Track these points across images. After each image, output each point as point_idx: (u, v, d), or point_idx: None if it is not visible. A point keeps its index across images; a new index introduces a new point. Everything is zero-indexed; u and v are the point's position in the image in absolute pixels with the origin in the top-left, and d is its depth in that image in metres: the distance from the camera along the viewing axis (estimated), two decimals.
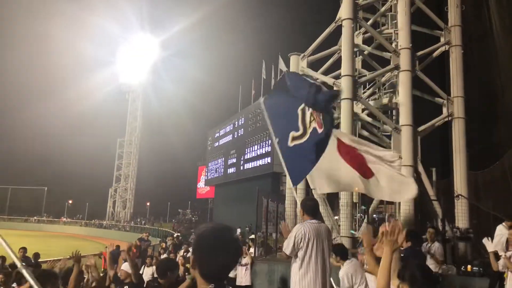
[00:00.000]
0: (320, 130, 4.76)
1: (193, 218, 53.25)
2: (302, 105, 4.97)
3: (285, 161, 5.06)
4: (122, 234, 43.90)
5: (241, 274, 10.20)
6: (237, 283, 10.18)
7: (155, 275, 7.67)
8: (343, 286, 5.42)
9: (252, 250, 11.52)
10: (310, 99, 4.80)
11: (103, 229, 52.26)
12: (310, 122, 4.84)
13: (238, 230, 26.13)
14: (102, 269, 14.33)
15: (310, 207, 4.63)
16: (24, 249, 10.70)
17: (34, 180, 73.03)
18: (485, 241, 5.41)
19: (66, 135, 78.86)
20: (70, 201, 72.77)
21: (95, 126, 74.85)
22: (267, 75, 32.36)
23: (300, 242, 4.40)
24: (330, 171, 5.80)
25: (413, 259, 3.33)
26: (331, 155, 5.58)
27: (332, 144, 5.28)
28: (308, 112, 4.90)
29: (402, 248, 4.47)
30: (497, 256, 6.04)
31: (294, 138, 4.93)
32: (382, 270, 2.50)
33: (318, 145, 4.77)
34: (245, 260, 10.29)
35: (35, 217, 64.27)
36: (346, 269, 5.53)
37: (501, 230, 7.58)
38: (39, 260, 11.01)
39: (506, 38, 12.24)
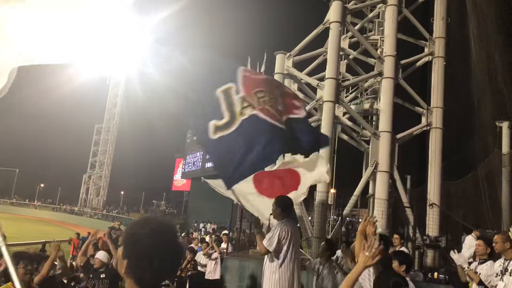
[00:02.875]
0: (269, 118, 3.75)
1: (167, 210, 52.85)
2: (226, 85, 3.87)
3: (212, 159, 4.24)
4: (93, 221, 43.27)
5: (210, 268, 10.21)
6: (206, 277, 10.19)
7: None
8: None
9: (224, 245, 11.52)
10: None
11: (75, 215, 51.39)
12: (243, 108, 3.80)
13: (209, 225, 26.11)
14: (71, 256, 14.12)
15: (289, 206, 4.73)
16: None
17: (5, 161, 71.32)
18: (452, 254, 5.48)
19: (42, 117, 77.18)
20: (42, 185, 71.36)
21: (73, 110, 73.52)
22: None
23: (283, 239, 4.47)
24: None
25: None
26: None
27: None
28: (237, 96, 3.83)
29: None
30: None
31: (217, 128, 3.80)
32: (347, 281, 2.44)
33: (270, 137, 3.80)
34: (215, 254, 10.31)
35: (4, 199, 62.75)
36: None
37: (470, 241, 7.77)
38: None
39: (481, 53, 12.53)
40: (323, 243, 6.41)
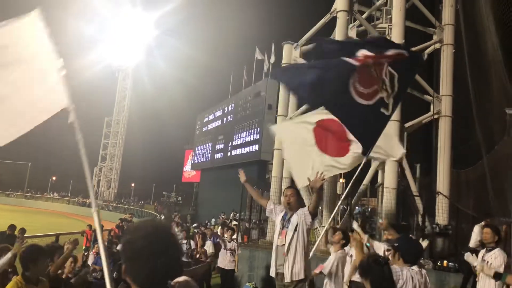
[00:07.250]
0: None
1: (178, 201, 53.25)
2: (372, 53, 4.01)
3: (352, 117, 4.18)
4: (105, 213, 43.77)
5: (227, 259, 10.02)
6: (220, 266, 10.09)
7: None
8: (326, 266, 5.63)
9: (234, 236, 11.59)
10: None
11: (87, 207, 51.99)
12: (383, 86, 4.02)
13: (222, 216, 26.35)
14: (84, 247, 14.36)
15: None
16: (12, 227, 10.24)
17: (18, 155, 72.14)
18: (467, 256, 5.30)
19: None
20: (54, 178, 72.17)
21: (83, 103, 73.90)
22: (260, 61, 32.21)
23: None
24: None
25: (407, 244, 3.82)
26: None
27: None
28: (385, 68, 4.03)
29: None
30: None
31: (360, 94, 3.95)
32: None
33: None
34: (230, 245, 10.25)
35: (17, 192, 63.67)
36: (339, 256, 5.74)
37: (478, 230, 7.75)
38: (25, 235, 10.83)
39: (491, 40, 12.38)
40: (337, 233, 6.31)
